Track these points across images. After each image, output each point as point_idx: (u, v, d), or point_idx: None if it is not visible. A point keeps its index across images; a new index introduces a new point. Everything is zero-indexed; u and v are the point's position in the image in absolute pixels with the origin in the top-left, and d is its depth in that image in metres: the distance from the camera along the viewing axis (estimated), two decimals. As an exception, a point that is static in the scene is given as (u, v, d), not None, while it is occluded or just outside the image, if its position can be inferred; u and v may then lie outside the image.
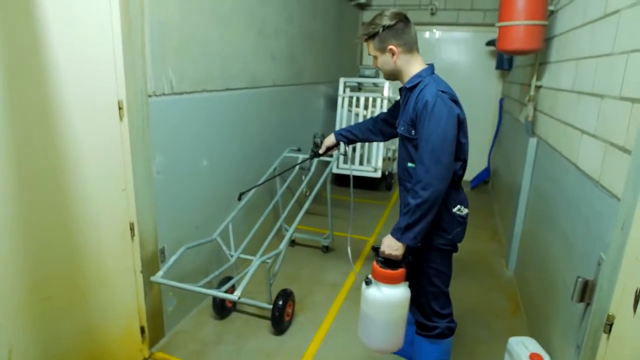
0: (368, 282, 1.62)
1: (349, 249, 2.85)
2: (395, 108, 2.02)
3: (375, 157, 4.46)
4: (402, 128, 1.71)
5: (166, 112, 2.12)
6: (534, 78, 2.93)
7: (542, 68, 2.91)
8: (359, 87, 4.89)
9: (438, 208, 1.58)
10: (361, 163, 4.55)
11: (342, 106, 4.53)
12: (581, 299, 1.60)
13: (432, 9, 5.22)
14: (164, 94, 2.09)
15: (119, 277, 1.97)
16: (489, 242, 3.81)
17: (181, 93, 2.21)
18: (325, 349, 2.29)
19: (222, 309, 2.44)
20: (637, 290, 1.21)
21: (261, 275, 2.62)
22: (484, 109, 5.44)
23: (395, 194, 5.06)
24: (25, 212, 1.54)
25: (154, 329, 2.20)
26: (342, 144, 2.15)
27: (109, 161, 1.85)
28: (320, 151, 2.23)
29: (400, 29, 1.63)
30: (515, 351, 1.91)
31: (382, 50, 1.67)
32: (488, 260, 3.44)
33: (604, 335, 1.39)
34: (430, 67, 1.72)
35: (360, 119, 4.51)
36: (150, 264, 2.11)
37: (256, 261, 2.04)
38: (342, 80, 4.52)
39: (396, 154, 5.36)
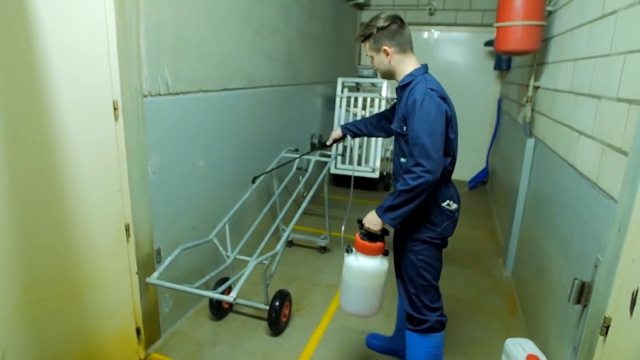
0: (349, 251, 1.78)
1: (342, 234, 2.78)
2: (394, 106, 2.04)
3: (373, 158, 4.45)
4: (395, 124, 1.78)
5: (162, 113, 2.11)
6: (532, 79, 2.93)
7: (540, 69, 2.90)
8: (357, 87, 4.88)
9: (422, 200, 1.64)
10: (359, 163, 4.54)
11: (340, 106, 4.52)
12: (578, 301, 1.59)
13: (430, 9, 5.21)
14: (159, 94, 2.08)
15: (114, 278, 1.96)
16: (487, 243, 3.81)
17: (177, 93, 2.20)
18: (322, 350, 2.28)
19: (218, 309, 2.43)
20: (633, 292, 1.20)
21: (258, 276, 2.61)
22: (483, 109, 5.44)
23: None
24: (19, 213, 1.53)
25: (150, 330, 2.19)
26: (348, 137, 2.25)
27: (103, 162, 1.84)
28: (328, 143, 2.32)
29: (394, 30, 1.71)
30: (512, 352, 1.91)
31: (377, 50, 1.75)
32: (486, 261, 3.43)
33: (601, 337, 1.38)
34: (423, 67, 1.78)
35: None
36: (146, 265, 2.09)
37: (252, 262, 2.03)
38: (340, 80, 4.51)
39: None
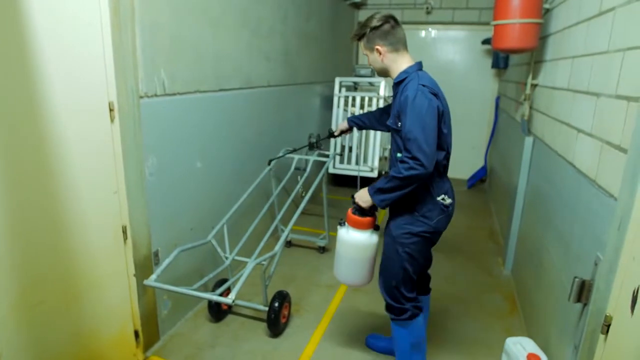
0: (341, 224, 1.92)
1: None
2: None
3: (371, 157, 4.44)
4: (391, 121, 1.83)
5: (158, 114, 2.10)
6: (530, 76, 2.92)
7: (538, 66, 2.90)
8: (354, 87, 4.86)
9: (413, 191, 1.70)
10: (357, 163, 4.52)
11: (338, 106, 4.50)
12: (578, 299, 1.59)
13: (427, 8, 5.20)
14: (156, 95, 2.06)
15: (111, 281, 1.95)
16: (486, 242, 3.80)
17: (174, 94, 2.18)
18: (321, 351, 2.27)
19: (217, 311, 2.42)
20: (634, 291, 1.20)
21: (257, 277, 2.60)
22: (480, 107, 5.43)
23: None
24: (15, 215, 1.52)
25: (149, 332, 2.18)
26: (354, 130, 2.39)
27: (100, 163, 1.83)
28: (336, 133, 2.47)
29: (386, 30, 1.78)
30: (512, 351, 1.90)
31: (370, 49, 1.83)
32: (485, 260, 3.43)
33: (602, 336, 1.37)
34: (417, 64, 1.83)
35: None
36: (144, 267, 2.08)
37: (251, 263, 2.01)
38: (337, 79, 4.50)
39: (392, 153, 5.36)
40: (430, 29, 5.45)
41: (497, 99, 5.16)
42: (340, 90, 4.52)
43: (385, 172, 5.09)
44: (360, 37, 1.83)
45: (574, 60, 2.14)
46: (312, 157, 3.12)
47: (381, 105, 4.40)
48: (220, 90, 2.60)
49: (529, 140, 2.91)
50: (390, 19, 1.79)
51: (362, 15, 5.51)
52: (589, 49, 1.91)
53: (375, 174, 4.48)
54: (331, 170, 4.43)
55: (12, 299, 1.55)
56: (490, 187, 5.13)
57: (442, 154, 1.78)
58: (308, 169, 3.00)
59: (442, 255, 3.48)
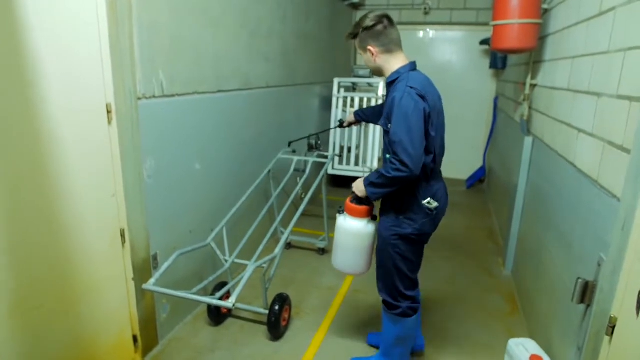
0: (340, 212, 1.96)
1: None
2: None
3: (370, 158, 4.43)
4: (382, 122, 1.82)
5: (157, 115, 2.08)
6: (529, 77, 2.92)
7: (537, 67, 2.90)
8: (353, 87, 4.86)
9: (405, 192, 1.76)
10: (357, 164, 4.51)
11: (337, 107, 4.49)
12: (582, 300, 1.58)
13: (425, 9, 5.20)
14: (154, 97, 2.04)
15: (109, 285, 1.92)
16: (486, 242, 3.79)
17: (172, 95, 2.16)
18: (322, 354, 2.26)
19: (217, 315, 2.40)
20: (640, 292, 1.19)
21: (257, 280, 2.58)
22: (479, 108, 5.43)
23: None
24: (11, 219, 1.50)
25: (147, 337, 2.15)
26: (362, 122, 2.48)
27: (97, 166, 1.81)
28: (345, 124, 2.59)
29: (379, 31, 1.75)
30: (515, 353, 1.89)
31: (363, 49, 1.82)
32: (485, 260, 3.42)
33: (606, 338, 1.37)
34: (410, 64, 1.81)
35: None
36: (142, 270, 2.06)
37: (251, 266, 2.00)
38: (336, 80, 4.49)
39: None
40: (428, 30, 5.45)
41: (496, 99, 5.16)
42: (339, 91, 4.51)
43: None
44: (354, 36, 1.83)
45: (574, 60, 2.14)
46: (312, 159, 3.11)
47: (380, 106, 4.40)
48: (219, 91, 2.59)
49: (528, 140, 2.90)
50: (384, 19, 1.77)
51: (360, 15, 5.50)
52: (590, 49, 1.91)
53: (374, 175, 4.47)
54: (330, 171, 4.42)
55: (9, 303, 1.52)
56: (489, 187, 5.13)
57: (430, 157, 1.77)
58: (308, 170, 2.98)
59: (442, 255, 3.47)
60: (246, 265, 2.41)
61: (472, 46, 5.21)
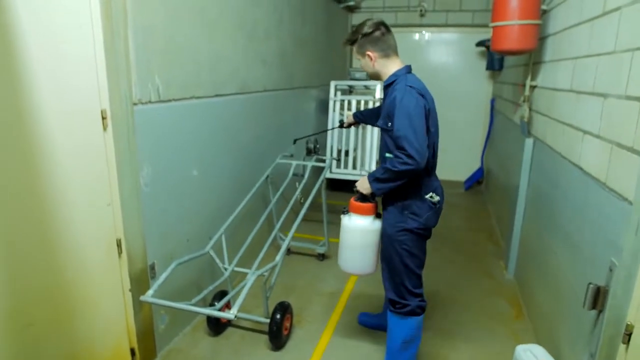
0: (345, 212, 1.98)
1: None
2: None
3: (368, 161, 4.39)
4: (381, 121, 1.91)
5: (153, 121, 2.02)
6: (529, 78, 2.90)
7: (537, 68, 2.88)
8: (349, 90, 4.82)
9: (405, 184, 1.79)
10: (354, 167, 4.47)
11: (334, 110, 4.45)
12: (593, 306, 1.54)
13: (421, 11, 5.19)
14: (150, 102, 1.98)
15: (106, 297, 1.86)
16: (486, 244, 3.76)
17: (169, 100, 2.11)
18: (325, 363, 2.20)
19: (216, 324, 2.33)
20: (659, 299, 1.15)
21: (257, 288, 2.52)
22: (476, 109, 5.42)
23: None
24: (1, 231, 1.43)
25: (145, 349, 2.09)
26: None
27: (92, 174, 1.75)
28: (345, 125, 2.64)
29: (377, 37, 1.86)
30: (523, 360, 1.85)
31: (362, 55, 1.92)
32: (486, 263, 3.39)
33: (622, 345, 1.33)
34: (406, 67, 1.92)
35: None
36: (140, 281, 1.99)
37: (252, 275, 1.94)
38: (333, 83, 4.45)
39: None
40: (424, 32, 5.44)
41: (492, 101, 5.15)
42: (335, 94, 4.47)
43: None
44: (352, 42, 1.92)
45: (577, 61, 2.11)
46: (310, 163, 3.06)
47: (377, 108, 4.36)
48: (216, 95, 2.53)
49: (529, 142, 2.88)
50: (381, 25, 1.88)
51: (356, 18, 5.48)
52: (593, 50, 1.88)
53: (372, 178, 4.44)
54: (328, 175, 4.37)
55: (1, 319, 1.45)
56: (488, 188, 5.11)
57: (430, 152, 1.84)
58: (307, 175, 2.94)
59: (443, 258, 3.43)
60: (245, 273, 2.35)
61: (468, 48, 5.20)
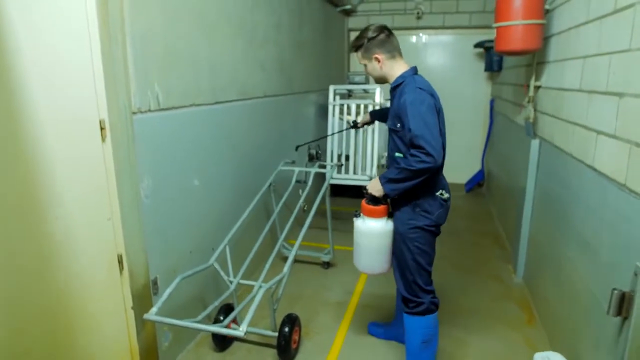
0: (357, 215, 1.99)
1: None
2: None
3: (369, 165, 4.33)
4: (390, 122, 1.94)
5: (153, 130, 1.95)
6: (533, 78, 2.86)
7: (540, 68, 2.84)
8: (349, 94, 4.77)
9: (419, 183, 1.78)
10: (355, 172, 4.41)
11: (334, 114, 4.39)
12: (618, 313, 1.48)
13: (418, 13, 5.16)
14: (149, 111, 1.91)
15: (107, 316, 1.78)
16: (492, 248, 3.70)
17: (169, 109, 2.04)
18: (337, 377, 2.13)
19: (222, 340, 2.25)
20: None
21: (262, 299, 2.44)
22: (475, 111, 5.39)
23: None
24: (-3, 252, 1.35)
25: (149, 368, 2.00)
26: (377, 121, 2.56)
27: (91, 188, 1.67)
28: (359, 125, 2.65)
29: (382, 39, 1.90)
30: (543, 369, 1.79)
31: (369, 58, 1.94)
32: (494, 267, 3.33)
33: (655, 355, 1.27)
34: (412, 69, 1.94)
35: (352, 129, 4.38)
36: (142, 298, 1.91)
37: (261, 289, 1.86)
38: (331, 87, 4.38)
39: (388, 161, 5.25)
40: (421, 34, 5.41)
41: (492, 102, 5.13)
42: (334, 99, 4.41)
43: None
44: (358, 47, 1.95)
45: (586, 60, 2.07)
46: (313, 169, 3.00)
47: (377, 112, 4.31)
48: (216, 102, 2.47)
49: (535, 143, 2.83)
50: (384, 29, 1.92)
51: (352, 22, 5.45)
52: (605, 48, 1.84)
53: (374, 183, 4.38)
54: (327, 176, 4.30)
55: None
56: (489, 190, 5.07)
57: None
58: (310, 182, 2.87)
59: (449, 262, 3.37)
60: (251, 286, 2.27)
61: (466, 49, 5.18)
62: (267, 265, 2.24)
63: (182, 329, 2.22)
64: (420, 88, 1.80)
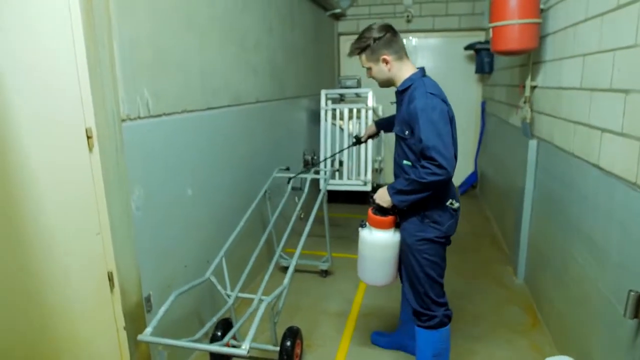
0: (363, 226, 1.89)
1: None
2: None
3: (364, 170, 4.27)
4: (397, 128, 1.83)
5: (143, 138, 1.85)
6: (529, 78, 2.83)
7: (536, 67, 2.81)
8: (341, 99, 4.71)
9: (429, 195, 1.70)
10: (349, 177, 4.34)
11: (326, 119, 4.33)
12: (635, 315, 1.43)
13: (407, 17, 5.15)
14: (139, 118, 1.82)
15: (98, 338, 1.66)
16: (490, 250, 3.66)
17: (159, 115, 1.94)
18: (342, 391, 2.04)
19: (220, 356, 2.14)
20: None
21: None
22: (467, 113, 5.38)
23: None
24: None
25: (144, 391, 1.88)
26: (381, 132, 2.37)
27: (78, 201, 1.56)
28: (363, 139, 2.44)
29: (389, 39, 1.78)
30: (557, 376, 1.72)
31: (376, 60, 1.80)
32: (493, 270, 3.28)
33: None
34: (421, 70, 1.84)
35: (345, 133, 4.32)
36: (135, 316, 1.80)
37: (263, 303, 1.77)
38: (323, 92, 4.33)
39: (382, 165, 5.20)
40: (411, 38, 5.40)
41: (483, 104, 5.13)
42: (326, 103, 4.35)
43: (378, 185, 4.94)
44: (363, 49, 1.79)
45: (586, 57, 2.04)
46: (310, 176, 2.92)
47: (370, 116, 4.26)
48: (209, 108, 2.38)
49: (533, 143, 2.81)
50: (390, 28, 1.80)
51: (342, 26, 5.41)
52: (607, 45, 1.81)
53: (369, 188, 4.32)
54: (321, 183, 4.23)
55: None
56: (483, 192, 5.05)
57: None
58: (306, 188, 2.79)
59: (449, 266, 3.28)
60: (249, 299, 2.17)
61: (456, 52, 5.17)
62: (267, 277, 2.15)
63: (178, 347, 2.10)
64: (431, 93, 1.70)
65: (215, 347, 1.70)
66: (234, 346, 1.81)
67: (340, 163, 4.38)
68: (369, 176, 4.32)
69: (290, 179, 2.86)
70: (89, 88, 1.53)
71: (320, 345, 2.37)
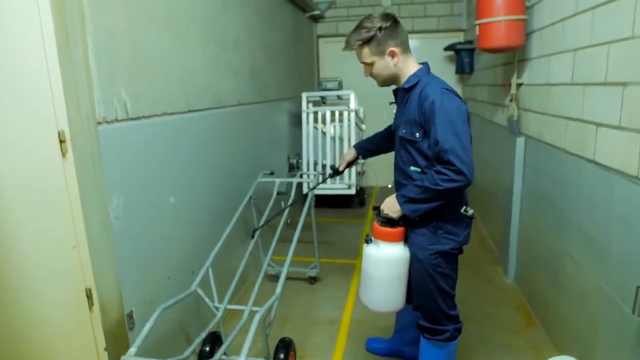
0: (368, 241, 1.68)
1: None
2: None
3: (348, 174, 4.20)
4: (404, 131, 1.64)
5: (122, 142, 1.71)
6: (514, 76, 2.83)
7: (522, 65, 2.82)
8: (322, 101, 4.64)
9: (443, 203, 1.54)
10: (333, 181, 4.26)
11: (307, 122, 4.24)
12: (644, 312, 1.40)
13: (386, 18, 5.14)
14: (117, 120, 1.68)
15: (76, 362, 1.50)
16: (479, 251, 3.64)
17: (138, 118, 1.80)
18: (341, 404, 1.93)
19: (210, 374, 2.00)
20: None
21: (249, 321, 2.22)
22: (447, 114, 5.40)
23: (370, 209, 4.82)
24: None
25: (127, 417, 1.72)
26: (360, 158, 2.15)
27: (51, 211, 1.42)
28: (341, 168, 2.16)
29: (394, 29, 1.60)
30: (563, 376, 1.68)
31: (381, 53, 1.60)
32: (483, 270, 3.26)
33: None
34: (426, 66, 1.68)
35: (328, 137, 4.24)
36: (116, 336, 1.64)
37: (256, 315, 1.64)
38: (304, 95, 4.24)
39: (365, 167, 5.14)
40: (390, 39, 5.39)
41: (463, 104, 5.15)
42: (307, 106, 4.27)
43: (361, 188, 4.88)
44: (367, 40, 1.58)
45: (577, 52, 2.03)
46: (295, 180, 2.82)
47: (353, 119, 4.20)
48: (190, 111, 2.24)
49: (520, 141, 2.80)
50: (392, 16, 1.63)
51: (320, 28, 5.34)
52: (600, 38, 1.80)
53: (353, 191, 4.25)
54: (305, 191, 4.13)
55: None
56: (467, 192, 5.06)
57: None
58: (293, 193, 2.69)
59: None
60: (238, 311, 2.04)
61: (436, 53, 5.19)
62: (257, 287, 2.03)
63: (164, 366, 1.95)
64: (447, 89, 1.55)
65: (207, 367, 1.57)
66: (226, 363, 1.69)
67: (323, 167, 4.30)
68: (353, 179, 4.25)
69: (280, 192, 2.71)
70: (61, 87, 1.38)
71: (313, 355, 2.27)
